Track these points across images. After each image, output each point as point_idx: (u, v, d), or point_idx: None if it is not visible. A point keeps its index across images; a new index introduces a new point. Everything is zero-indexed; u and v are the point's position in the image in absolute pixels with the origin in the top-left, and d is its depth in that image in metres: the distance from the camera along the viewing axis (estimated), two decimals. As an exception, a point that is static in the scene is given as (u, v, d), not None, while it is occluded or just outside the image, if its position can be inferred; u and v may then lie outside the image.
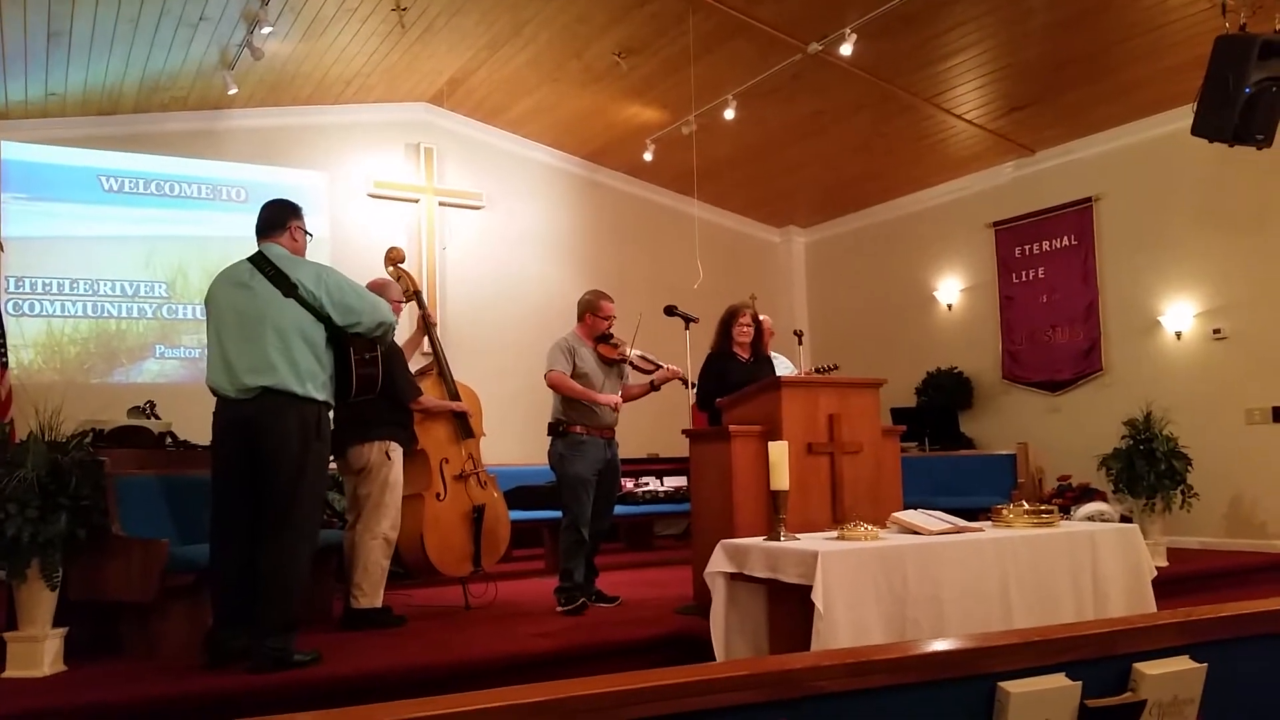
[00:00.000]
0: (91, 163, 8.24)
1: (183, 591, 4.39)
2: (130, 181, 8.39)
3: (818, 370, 5.53)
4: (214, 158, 8.68)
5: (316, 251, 8.77)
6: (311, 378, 4.06)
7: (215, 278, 4.27)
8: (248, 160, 8.80)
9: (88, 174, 8.23)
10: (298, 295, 4.07)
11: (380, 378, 4.32)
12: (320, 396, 4.11)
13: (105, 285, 8.21)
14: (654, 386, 5.82)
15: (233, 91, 7.89)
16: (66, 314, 8.07)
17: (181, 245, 8.48)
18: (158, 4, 6.63)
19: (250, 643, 3.93)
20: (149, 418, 6.00)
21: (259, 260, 4.17)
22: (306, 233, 4.40)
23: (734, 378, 5.48)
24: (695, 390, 5.81)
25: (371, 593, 5.07)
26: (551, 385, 5.52)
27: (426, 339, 5.88)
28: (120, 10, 6.61)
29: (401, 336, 5.72)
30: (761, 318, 6.14)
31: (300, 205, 4.45)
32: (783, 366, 6.54)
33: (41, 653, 3.98)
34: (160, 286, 8.41)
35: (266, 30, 7.03)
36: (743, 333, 5.73)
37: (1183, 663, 2.04)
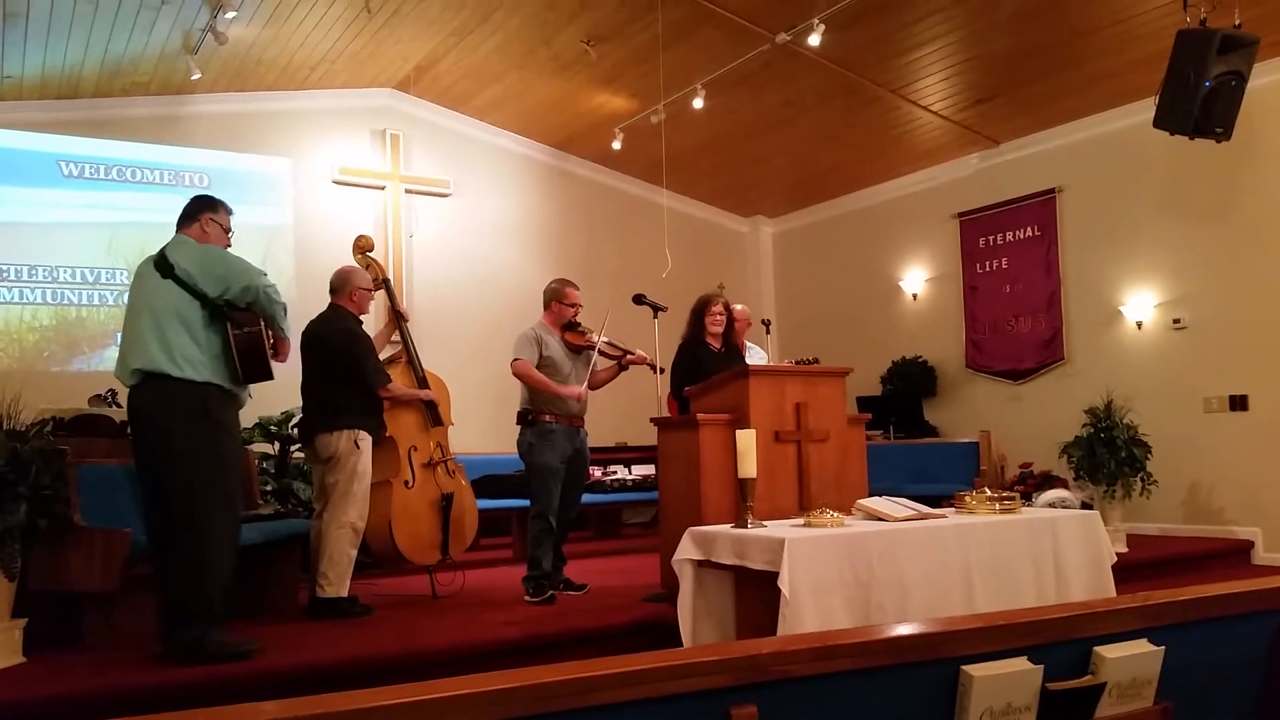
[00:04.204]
0: (51, 147, 8.09)
1: (145, 581, 4.33)
2: (91, 167, 8.25)
3: (799, 363, 5.59)
4: (177, 143, 8.55)
5: (281, 237, 8.81)
6: (187, 358, 3.97)
7: None
8: (211, 146, 8.68)
9: (46, 159, 8.08)
10: (174, 275, 4.03)
11: (266, 354, 4.14)
12: (199, 378, 3.99)
13: (65, 272, 8.08)
14: (623, 366, 5.82)
15: (196, 76, 7.77)
16: (25, 301, 7.93)
17: (143, 232, 8.33)
18: (118, -14, 6.53)
19: (167, 631, 3.94)
20: (110, 406, 5.92)
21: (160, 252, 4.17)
22: (226, 230, 4.34)
23: (706, 366, 5.50)
24: (666, 376, 5.81)
25: (338, 582, 5.05)
26: (517, 375, 5.52)
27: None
28: (79, -8, 6.50)
29: (372, 325, 5.70)
30: (738, 307, 6.16)
31: (224, 201, 4.40)
32: (757, 356, 6.57)
33: None
34: (121, 274, 8.28)
35: (230, 15, 6.93)
36: (715, 322, 5.76)
37: (1141, 646, 2.07)
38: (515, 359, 5.51)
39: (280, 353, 4.31)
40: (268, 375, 4.18)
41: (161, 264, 4.06)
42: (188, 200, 4.38)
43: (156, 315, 3.99)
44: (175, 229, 4.28)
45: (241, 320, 4.08)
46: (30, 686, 3.62)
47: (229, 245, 4.36)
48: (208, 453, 3.99)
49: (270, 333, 4.21)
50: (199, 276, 4.03)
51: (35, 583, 4.18)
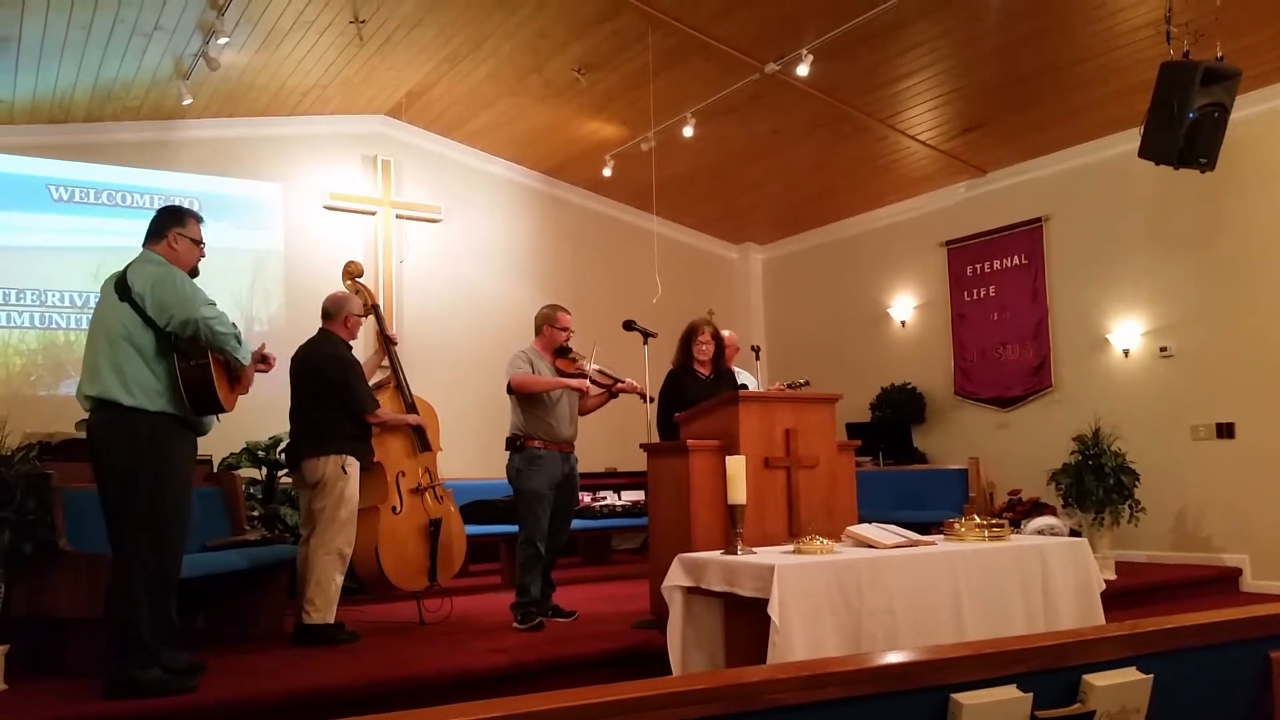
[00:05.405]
0: (40, 171, 8.08)
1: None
2: (81, 191, 8.25)
3: (789, 386, 5.60)
4: (167, 168, 8.55)
5: (271, 262, 8.80)
6: (140, 386, 3.82)
7: None
8: (201, 171, 8.68)
9: (36, 183, 8.07)
10: (131, 298, 3.88)
11: (214, 388, 3.91)
12: (153, 407, 3.83)
13: (53, 296, 8.06)
14: (613, 394, 5.82)
15: (187, 102, 7.79)
16: (13, 325, 7.90)
17: (132, 256, 8.30)
18: (111, 12, 6.54)
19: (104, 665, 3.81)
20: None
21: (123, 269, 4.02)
22: (196, 242, 4.15)
23: (694, 394, 5.50)
24: (654, 404, 5.82)
25: (324, 608, 5.01)
26: (518, 387, 5.47)
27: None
28: (72, 17, 6.51)
29: (360, 350, 5.69)
30: (726, 333, 6.18)
31: (193, 211, 4.23)
32: (747, 381, 6.58)
33: (-18, 671, 3.89)
34: (110, 298, 8.26)
35: (223, 41, 6.95)
36: (702, 350, 5.76)
37: (1130, 674, 2.07)
38: (512, 375, 5.49)
39: (241, 381, 4.12)
40: (218, 409, 3.99)
41: (120, 285, 3.92)
42: (157, 212, 4.21)
43: (111, 340, 3.85)
44: (143, 244, 4.10)
45: (189, 352, 3.88)
46: (10, 715, 3.58)
47: (202, 256, 4.18)
48: (147, 485, 3.81)
49: (226, 362, 4.01)
50: (149, 302, 3.86)
51: (19, 608, 4.15)
